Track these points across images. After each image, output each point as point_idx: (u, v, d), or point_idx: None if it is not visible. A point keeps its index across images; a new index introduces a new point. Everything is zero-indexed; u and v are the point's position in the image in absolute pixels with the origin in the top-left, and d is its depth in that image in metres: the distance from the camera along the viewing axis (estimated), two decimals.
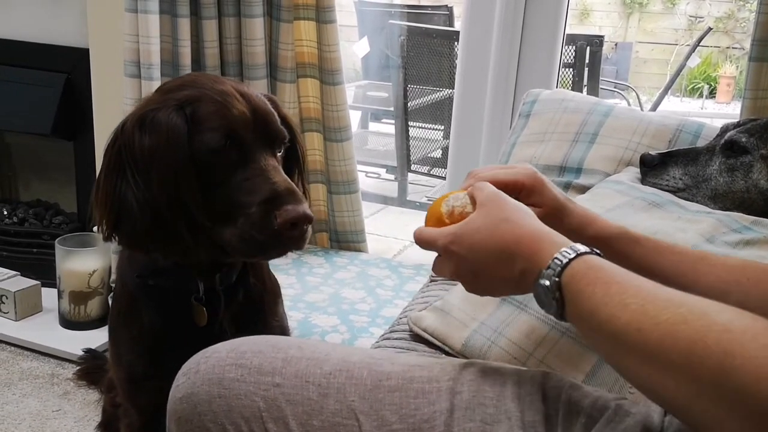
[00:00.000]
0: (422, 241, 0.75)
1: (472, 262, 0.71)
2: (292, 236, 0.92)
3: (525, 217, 0.71)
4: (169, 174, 0.91)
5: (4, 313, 2.13)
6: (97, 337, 2.06)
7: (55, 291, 2.13)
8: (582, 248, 0.65)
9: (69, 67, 2.19)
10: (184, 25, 1.92)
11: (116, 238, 0.96)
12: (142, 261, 1.04)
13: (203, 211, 0.93)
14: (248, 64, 2.01)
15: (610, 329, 0.57)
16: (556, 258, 0.64)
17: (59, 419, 1.74)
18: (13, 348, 2.05)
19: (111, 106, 2.06)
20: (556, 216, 0.80)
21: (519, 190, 0.81)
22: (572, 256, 0.64)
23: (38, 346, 2.03)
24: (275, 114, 0.99)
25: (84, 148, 2.22)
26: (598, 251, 0.65)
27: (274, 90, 2.07)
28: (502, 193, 0.74)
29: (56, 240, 2.09)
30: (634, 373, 0.57)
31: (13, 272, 2.23)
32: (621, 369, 0.59)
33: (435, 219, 0.77)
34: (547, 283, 0.64)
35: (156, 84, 1.90)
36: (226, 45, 2.01)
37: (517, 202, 0.73)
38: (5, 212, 2.42)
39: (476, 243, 0.70)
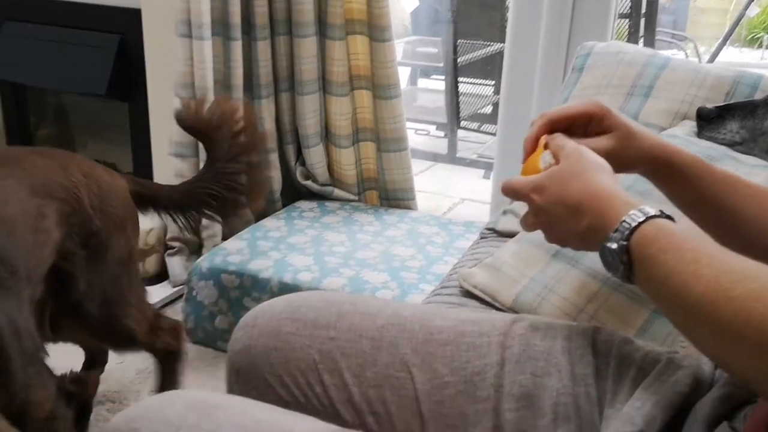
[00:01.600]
0: (508, 189, 0.75)
1: (548, 213, 0.71)
2: None
3: (601, 174, 0.70)
4: None
5: None
6: (156, 293, 2.13)
7: None
8: (652, 211, 0.63)
9: (122, 28, 2.22)
10: None
11: None
12: None
13: None
14: (297, 21, 2.01)
15: (683, 300, 0.57)
16: (625, 221, 0.63)
17: (122, 371, 1.81)
18: None
19: (164, 66, 2.09)
20: (627, 139, 0.80)
21: (589, 119, 0.81)
22: (641, 219, 0.63)
23: None
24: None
25: (138, 108, 2.26)
26: (668, 214, 0.64)
27: (323, 46, 2.06)
28: (584, 148, 0.74)
29: None
30: (705, 343, 0.57)
31: None
32: (691, 337, 0.59)
33: (530, 172, 0.77)
34: (615, 246, 0.63)
35: (207, 44, 1.91)
36: (276, 3, 2.01)
37: (597, 159, 0.73)
38: None
39: (553, 194, 0.70)
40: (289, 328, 0.78)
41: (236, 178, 1.46)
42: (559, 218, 0.70)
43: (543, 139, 0.79)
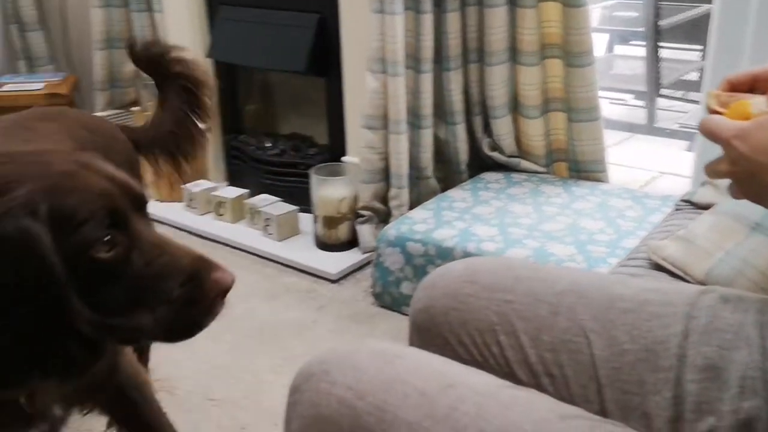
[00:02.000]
0: (706, 129, 0.70)
1: (750, 162, 0.66)
2: (219, 305, 0.83)
3: None
4: (42, 296, 0.73)
5: (269, 234, 2.40)
6: (347, 258, 2.25)
7: (310, 216, 2.35)
8: None
9: (321, 7, 2.33)
10: None
11: None
12: None
13: (93, 322, 0.77)
14: None
15: None
16: None
17: (315, 329, 1.95)
18: (276, 265, 2.31)
19: (358, 43, 2.18)
20: None
21: None
22: None
23: (298, 264, 2.27)
24: (124, 171, 0.84)
25: (334, 83, 2.38)
26: None
27: (513, 15, 2.04)
28: None
29: (311, 169, 2.29)
30: None
31: (276, 198, 2.50)
32: None
33: (737, 117, 0.72)
34: None
35: (398, 18, 1.97)
36: None
37: None
38: (268, 144, 2.69)
39: (759, 143, 0.65)
40: (468, 290, 0.80)
41: (190, 120, 1.49)
42: (760, 170, 0.65)
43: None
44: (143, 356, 1.35)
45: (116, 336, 0.83)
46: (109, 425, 1.25)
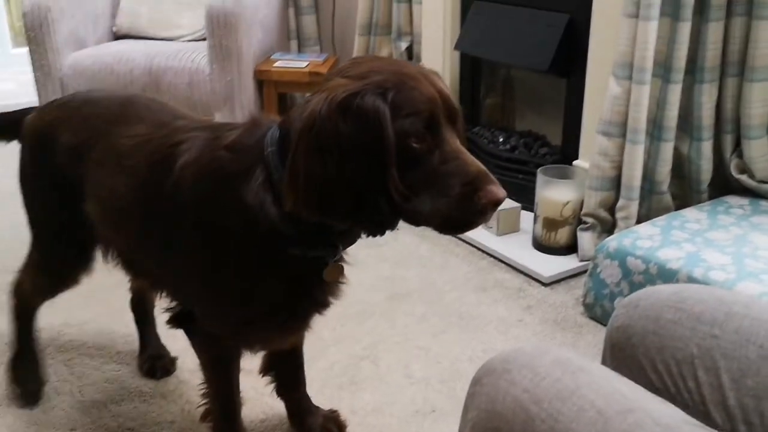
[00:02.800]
0: None
1: None
2: (488, 213, 0.96)
3: None
4: (373, 160, 0.93)
5: (489, 227, 2.42)
6: (562, 263, 2.21)
7: (531, 215, 2.34)
8: None
9: (572, 8, 2.29)
10: None
11: (320, 219, 0.99)
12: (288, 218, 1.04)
13: (402, 193, 0.95)
14: (759, 1, 1.82)
15: None
16: None
17: (520, 328, 1.95)
18: (491, 259, 2.34)
19: (606, 48, 2.11)
20: None
21: None
22: None
23: (512, 261, 2.27)
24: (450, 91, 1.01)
25: (576, 85, 2.33)
26: None
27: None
28: None
29: (539, 169, 2.27)
30: None
31: None
32: None
33: None
34: None
35: (653, 25, 1.87)
36: None
37: None
38: (501, 139, 2.71)
39: None
40: (671, 315, 0.76)
41: None
42: None
43: None
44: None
45: (406, 215, 0.99)
46: (264, 370, 1.48)
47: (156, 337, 1.78)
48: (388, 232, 1.02)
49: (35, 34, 3.01)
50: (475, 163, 0.98)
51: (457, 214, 0.96)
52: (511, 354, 0.71)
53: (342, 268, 1.16)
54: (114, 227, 1.28)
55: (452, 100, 1.00)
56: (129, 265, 1.38)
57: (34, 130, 1.41)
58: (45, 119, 1.40)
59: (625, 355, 0.79)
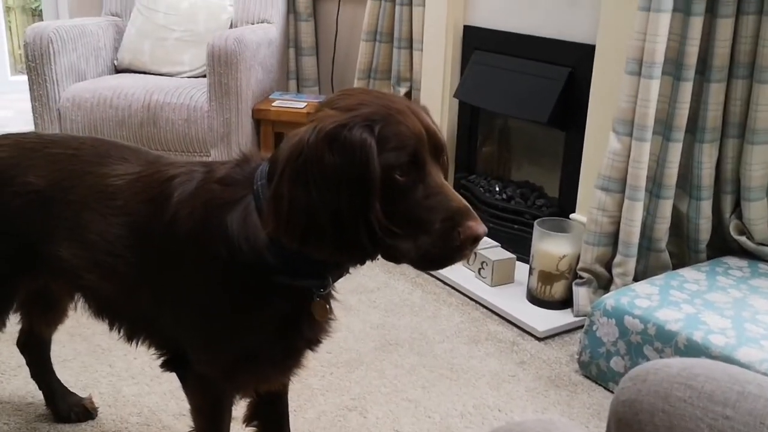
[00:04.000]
0: None
1: None
2: (467, 250, 0.96)
3: None
4: (357, 192, 0.94)
5: (483, 277, 2.39)
6: (557, 318, 2.18)
7: (527, 267, 2.31)
8: None
9: (573, 62, 2.30)
10: (696, 23, 1.84)
11: (299, 247, 0.99)
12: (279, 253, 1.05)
13: (383, 226, 0.95)
14: (761, 65, 1.84)
15: None
16: None
17: (513, 384, 1.90)
18: (484, 309, 2.30)
19: (606, 103, 2.11)
20: None
21: None
22: None
23: (506, 314, 2.24)
24: (437, 126, 1.02)
25: (575, 139, 2.33)
26: None
27: None
28: None
29: (536, 221, 2.25)
30: None
31: (495, 243, 2.49)
32: None
33: None
34: None
35: (655, 83, 1.88)
36: (740, 45, 1.87)
37: None
38: (497, 188, 2.70)
39: None
40: (681, 393, 0.73)
41: None
42: None
43: None
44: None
45: (385, 250, 0.99)
46: (248, 419, 1.43)
47: (57, 380, 1.70)
48: (380, 276, 1.02)
49: (35, 65, 3.00)
50: (457, 198, 0.98)
51: (436, 250, 0.96)
52: (515, 429, 0.67)
53: (327, 306, 1.14)
54: (100, 271, 1.23)
55: (439, 135, 1.01)
56: (111, 310, 1.31)
57: None
58: None
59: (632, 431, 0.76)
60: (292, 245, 0.99)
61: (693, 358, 0.78)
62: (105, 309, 1.31)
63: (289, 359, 1.21)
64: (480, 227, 0.96)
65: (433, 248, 0.96)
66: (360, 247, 0.97)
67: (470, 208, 0.98)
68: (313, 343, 1.20)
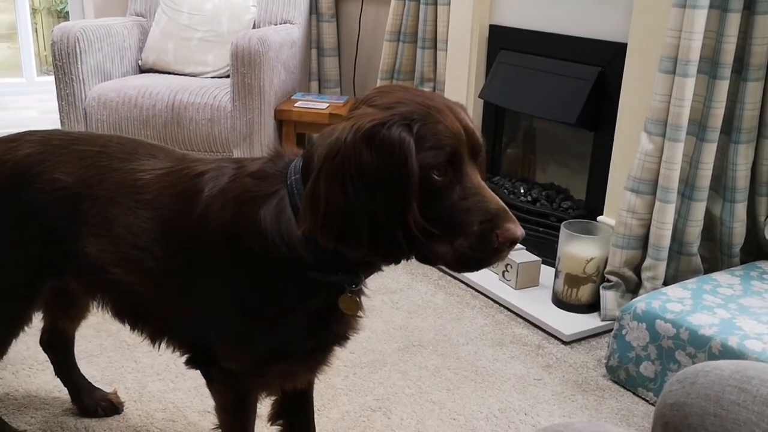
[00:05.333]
0: None
1: None
2: (505, 252, 0.95)
3: None
4: (395, 191, 0.92)
5: (507, 280, 2.36)
6: (584, 321, 2.14)
7: (552, 270, 2.27)
8: None
9: (604, 61, 2.26)
10: (734, 20, 1.80)
11: (335, 246, 0.97)
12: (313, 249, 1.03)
13: (420, 226, 0.94)
14: None
15: None
16: None
17: (539, 388, 1.87)
18: (508, 312, 2.26)
19: (638, 102, 2.07)
20: None
21: None
22: None
23: (531, 317, 2.20)
24: (475, 125, 1.00)
25: (604, 140, 2.29)
26: None
27: None
28: None
29: (562, 223, 2.21)
30: None
31: (520, 246, 2.45)
32: None
33: None
34: None
35: (690, 81, 1.83)
36: None
37: None
38: (522, 190, 2.66)
39: None
40: (734, 396, 0.69)
41: None
42: None
43: None
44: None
45: (420, 250, 0.97)
46: (273, 418, 1.41)
47: (82, 376, 1.69)
48: (403, 278, 1.00)
49: (62, 64, 3.02)
50: (495, 200, 0.96)
51: (474, 252, 0.95)
52: (562, 430, 0.64)
53: (358, 301, 1.13)
54: (126, 265, 1.21)
55: (477, 135, 0.99)
56: (135, 308, 1.29)
57: None
58: (13, 157, 1.25)
59: None
60: (329, 245, 0.97)
61: (745, 361, 0.74)
62: (129, 307, 1.29)
63: (317, 355, 1.19)
64: (518, 230, 0.95)
65: (470, 250, 0.95)
66: (396, 247, 0.96)
67: (508, 209, 0.96)
68: (341, 338, 1.19)
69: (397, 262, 1.01)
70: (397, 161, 0.92)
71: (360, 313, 1.15)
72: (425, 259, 0.99)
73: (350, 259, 1.03)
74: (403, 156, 0.92)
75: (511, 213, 0.96)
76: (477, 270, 1.00)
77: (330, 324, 1.14)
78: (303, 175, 1.04)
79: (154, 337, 1.28)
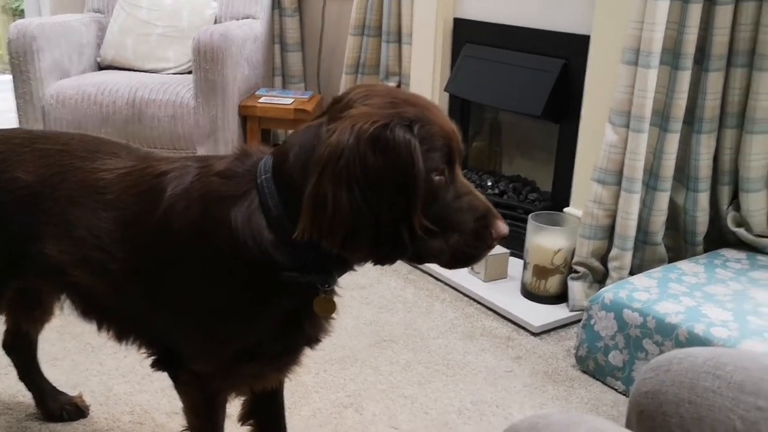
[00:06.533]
0: None
1: None
2: (493, 248, 1.00)
3: None
4: (402, 193, 0.93)
5: (476, 273, 2.36)
6: (552, 313, 2.15)
7: (521, 262, 2.28)
8: None
9: (568, 54, 2.28)
10: (695, 11, 1.82)
11: (339, 250, 0.97)
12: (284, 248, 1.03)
13: (424, 226, 0.95)
14: (761, 53, 1.82)
15: None
16: None
17: (509, 380, 1.87)
18: (478, 305, 2.27)
19: (602, 94, 2.09)
20: None
21: None
22: None
23: (500, 309, 2.20)
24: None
25: (569, 132, 2.31)
26: None
27: None
28: None
29: (529, 215, 2.22)
30: None
31: None
32: None
33: None
34: None
35: (652, 73, 1.85)
36: (739, 33, 1.85)
37: None
38: (489, 183, 2.67)
39: None
40: (708, 383, 0.70)
41: None
42: None
43: None
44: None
45: (419, 250, 0.98)
46: (244, 418, 1.39)
47: (46, 380, 1.65)
48: (372, 273, 1.00)
49: (19, 62, 2.94)
50: (483, 199, 1.00)
51: (469, 248, 0.98)
52: (540, 421, 0.64)
53: (333, 302, 1.11)
54: (88, 267, 1.17)
55: (459, 135, 1.01)
56: (99, 309, 1.26)
57: None
58: None
59: (655, 424, 0.72)
60: (332, 249, 0.96)
61: (718, 347, 0.75)
62: (93, 307, 1.26)
63: (288, 356, 1.17)
64: (506, 226, 0.99)
65: (466, 247, 0.98)
66: (398, 247, 0.96)
67: (493, 207, 1.00)
68: (313, 341, 1.17)
69: (393, 262, 1.01)
70: (403, 163, 0.92)
71: (333, 316, 1.14)
72: (418, 258, 1.00)
73: (324, 259, 1.02)
74: (410, 158, 0.92)
75: (496, 211, 1.01)
76: (468, 266, 1.03)
77: (303, 325, 1.12)
78: (275, 174, 1.02)
79: (120, 337, 1.26)
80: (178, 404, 1.27)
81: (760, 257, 1.96)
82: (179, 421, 1.29)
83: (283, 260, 1.03)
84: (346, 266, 1.09)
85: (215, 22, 3.30)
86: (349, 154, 0.92)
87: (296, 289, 1.06)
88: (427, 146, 0.94)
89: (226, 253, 1.04)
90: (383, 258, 1.00)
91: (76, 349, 1.91)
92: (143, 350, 1.24)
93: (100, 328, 1.27)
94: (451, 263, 1.00)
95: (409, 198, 0.93)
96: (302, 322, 1.11)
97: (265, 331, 1.10)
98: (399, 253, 0.98)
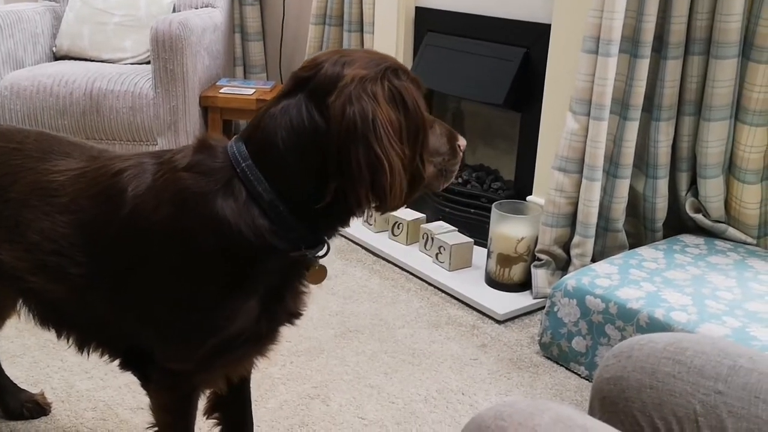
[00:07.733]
0: None
1: None
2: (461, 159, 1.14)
3: None
4: (418, 133, 1.02)
5: (441, 262, 2.37)
6: (516, 300, 2.17)
7: (485, 251, 2.29)
8: None
9: (529, 42, 2.29)
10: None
11: (400, 204, 1.04)
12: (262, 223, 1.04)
13: (429, 157, 1.07)
14: (718, 41, 1.84)
15: None
16: None
17: (475, 367, 1.89)
18: (443, 294, 2.28)
19: (563, 82, 2.10)
20: None
21: None
22: None
23: (465, 298, 2.22)
24: None
25: (531, 120, 2.32)
26: None
27: (744, 70, 1.87)
28: None
29: (493, 204, 2.24)
30: None
31: (452, 228, 2.47)
32: None
33: None
34: None
35: (612, 61, 1.87)
36: (696, 21, 1.87)
37: None
38: None
39: None
40: (669, 368, 0.71)
41: None
42: None
43: None
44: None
45: (413, 174, 1.05)
46: (209, 411, 1.37)
47: (6, 377, 1.62)
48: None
49: None
50: (442, 122, 1.12)
51: (450, 165, 1.10)
52: (505, 410, 0.64)
53: (326, 269, 1.15)
54: (46, 274, 1.13)
55: None
56: (59, 316, 1.22)
57: None
58: None
59: (617, 410, 0.73)
60: (398, 206, 1.04)
61: (679, 333, 0.76)
62: (52, 314, 1.22)
63: (268, 336, 1.16)
64: (464, 140, 1.12)
65: (449, 164, 1.10)
66: (421, 181, 1.05)
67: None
68: (294, 316, 1.16)
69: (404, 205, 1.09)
70: (414, 108, 1.01)
71: (309, 287, 1.17)
72: (424, 188, 1.09)
73: (320, 231, 1.08)
74: (417, 102, 1.02)
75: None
76: (449, 182, 1.14)
77: (285, 301, 1.13)
78: (257, 161, 1.02)
79: (82, 344, 1.22)
80: (142, 400, 1.25)
81: (717, 242, 2.00)
82: (143, 416, 1.27)
83: (282, 243, 1.03)
84: (336, 231, 1.13)
85: (173, 11, 3.24)
86: (378, 115, 0.97)
87: (282, 268, 1.08)
88: (416, 88, 1.04)
89: (213, 248, 1.02)
90: (414, 198, 1.09)
91: (36, 345, 1.87)
92: (106, 357, 1.21)
93: (59, 335, 1.23)
94: (443, 182, 1.11)
95: (424, 136, 1.03)
96: (285, 297, 1.12)
97: (248, 316, 1.09)
98: (422, 188, 1.08)
